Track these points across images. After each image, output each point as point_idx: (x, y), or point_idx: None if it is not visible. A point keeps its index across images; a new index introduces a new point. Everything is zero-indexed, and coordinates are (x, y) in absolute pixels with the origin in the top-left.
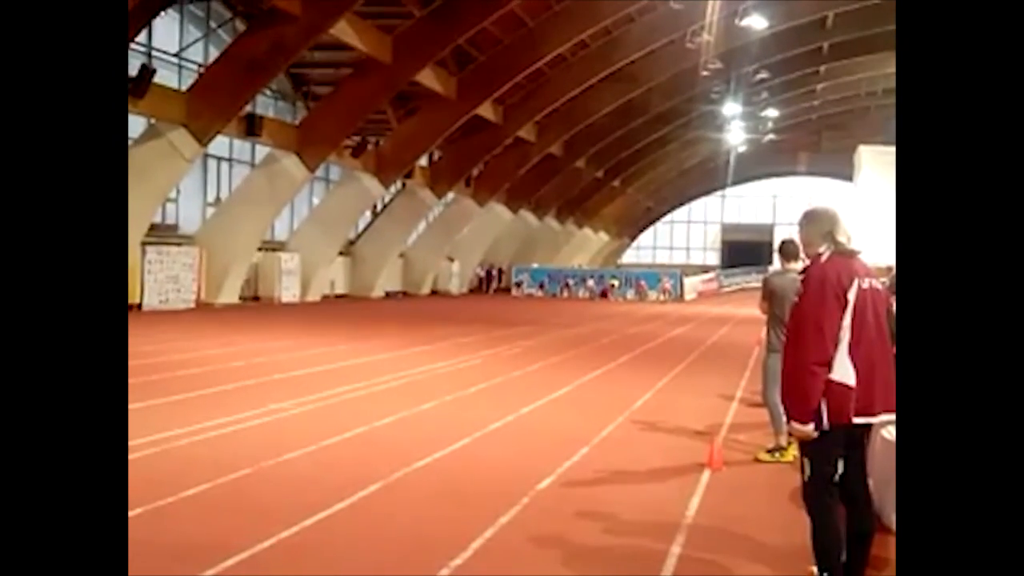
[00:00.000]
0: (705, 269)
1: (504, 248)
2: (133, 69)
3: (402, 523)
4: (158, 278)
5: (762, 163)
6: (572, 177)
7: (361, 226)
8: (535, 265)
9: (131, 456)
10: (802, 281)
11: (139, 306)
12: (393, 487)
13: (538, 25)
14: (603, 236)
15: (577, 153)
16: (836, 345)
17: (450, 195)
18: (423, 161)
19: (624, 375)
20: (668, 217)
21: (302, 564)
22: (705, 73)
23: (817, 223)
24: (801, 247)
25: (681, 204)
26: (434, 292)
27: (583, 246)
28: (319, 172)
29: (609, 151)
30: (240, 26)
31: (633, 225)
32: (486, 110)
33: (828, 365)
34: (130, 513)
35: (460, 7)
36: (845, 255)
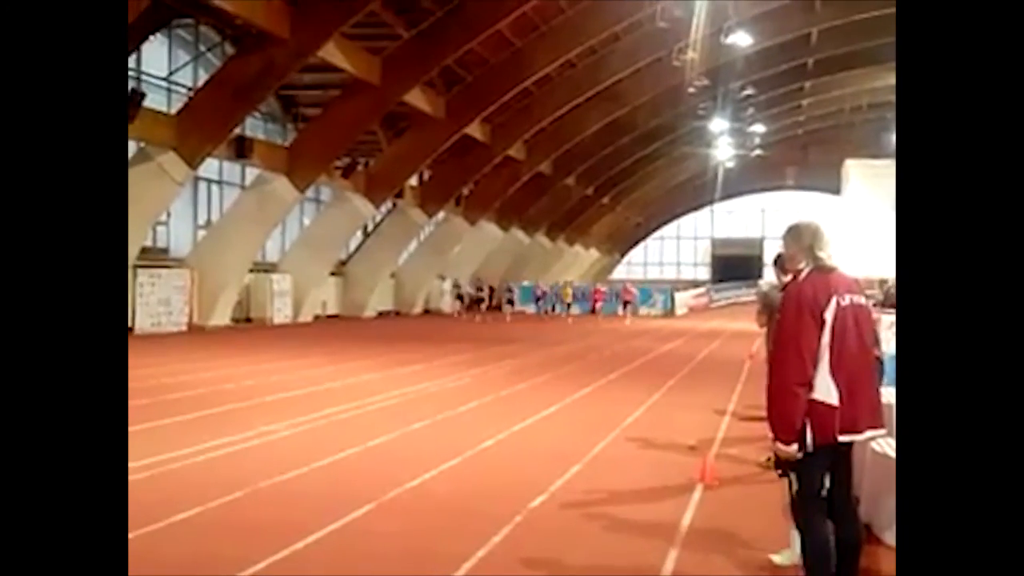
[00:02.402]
0: (696, 284)
1: (495, 266)
2: None
3: (395, 543)
4: (149, 301)
5: (750, 178)
6: (562, 195)
7: (352, 246)
8: (525, 283)
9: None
10: (781, 300)
11: (131, 329)
12: (386, 507)
13: (525, 45)
14: (594, 253)
15: (566, 171)
16: (816, 364)
17: (440, 214)
18: (413, 181)
19: (615, 391)
20: (658, 233)
21: None
22: (692, 90)
23: (799, 238)
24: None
25: (671, 220)
26: (426, 311)
27: (574, 263)
28: (310, 193)
29: (598, 168)
30: (229, 49)
31: (624, 241)
32: (475, 130)
33: (809, 385)
34: None
35: (447, 28)
36: (824, 271)
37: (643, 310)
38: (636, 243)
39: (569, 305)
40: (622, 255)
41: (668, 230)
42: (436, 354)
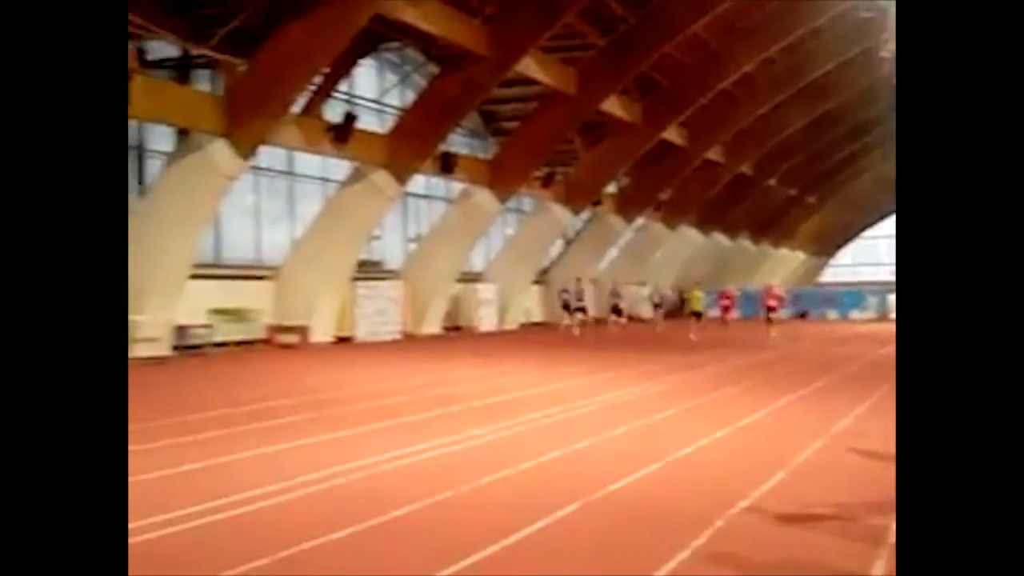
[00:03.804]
0: None
1: (696, 271)
2: (338, 116)
3: (595, 543)
4: (367, 312)
5: None
6: (765, 196)
7: (553, 254)
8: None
9: (333, 483)
10: None
11: (350, 338)
12: (586, 509)
13: (722, 45)
14: (800, 255)
15: (769, 171)
16: None
17: (639, 220)
18: (611, 188)
19: (822, 398)
20: (870, 232)
21: None
22: None
23: None
24: None
25: (884, 217)
26: (628, 318)
27: (780, 266)
28: (511, 204)
29: (803, 167)
30: (433, 69)
31: (831, 242)
32: (672, 134)
33: None
34: (331, 537)
35: (642, 34)
36: None
37: (854, 314)
38: (845, 243)
39: (699, 314)
40: (830, 256)
41: (882, 228)
42: (637, 360)
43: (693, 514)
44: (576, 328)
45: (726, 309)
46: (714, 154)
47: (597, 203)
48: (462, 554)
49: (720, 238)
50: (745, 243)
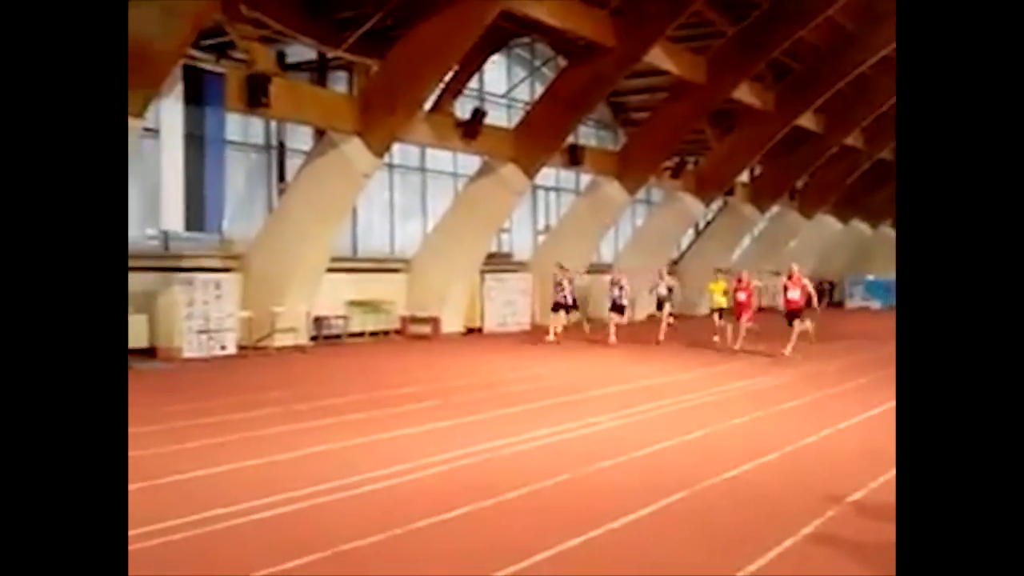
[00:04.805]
0: None
1: (835, 260)
2: (466, 112)
3: (702, 528)
4: (496, 303)
5: None
6: None
7: (684, 245)
8: (870, 276)
9: (459, 464)
10: None
11: (479, 329)
12: (698, 495)
13: (859, 28)
14: None
15: None
16: None
17: (774, 209)
18: (744, 177)
19: None
20: None
21: (604, 562)
22: None
23: None
24: None
25: None
26: (760, 308)
27: None
28: (641, 195)
29: None
30: (562, 63)
31: None
32: (807, 120)
33: None
34: (450, 515)
35: (774, 20)
36: None
37: None
38: None
39: (722, 311)
40: None
41: None
42: (769, 348)
43: (805, 501)
44: (555, 334)
45: (741, 305)
46: (852, 140)
47: (729, 192)
48: (571, 534)
49: (860, 226)
50: (887, 231)
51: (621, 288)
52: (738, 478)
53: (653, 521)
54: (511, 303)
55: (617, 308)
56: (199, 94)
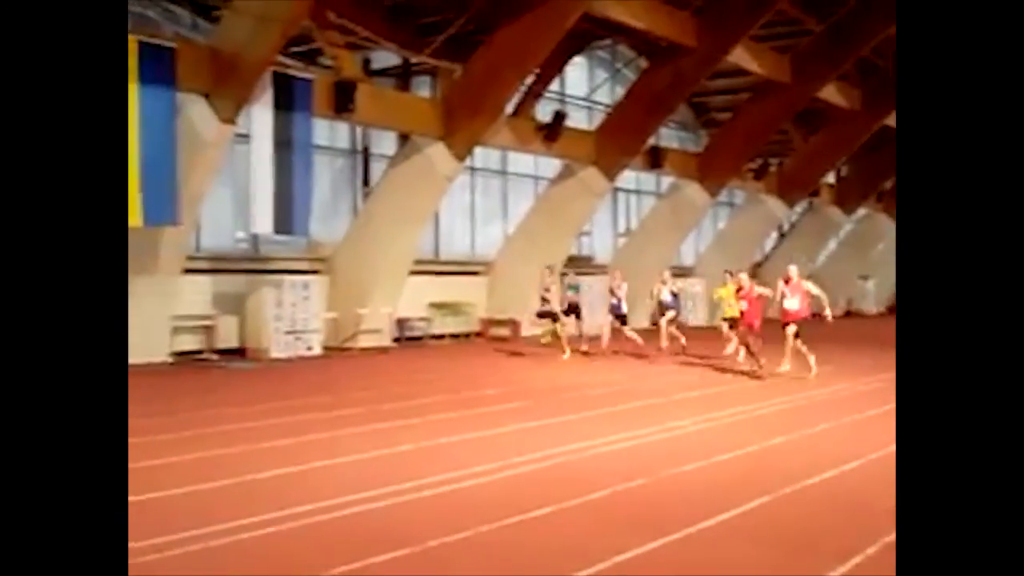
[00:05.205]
0: None
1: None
2: (547, 115)
3: (782, 533)
4: None
5: None
6: None
7: (767, 248)
8: None
9: (543, 464)
10: None
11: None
12: (782, 500)
13: None
14: None
15: None
16: None
17: (860, 211)
18: (830, 178)
19: None
20: None
21: (678, 563)
22: None
23: None
24: None
25: None
26: (848, 312)
27: None
28: (723, 196)
29: None
30: (643, 64)
31: None
32: (896, 120)
33: None
34: (531, 515)
35: (861, 17)
36: None
37: None
38: None
39: (734, 321)
40: None
41: None
42: (850, 355)
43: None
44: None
45: (743, 317)
46: None
47: (814, 194)
48: (649, 536)
49: None
50: None
51: (619, 293)
52: (822, 484)
53: (733, 526)
54: (591, 305)
55: (618, 315)
56: (288, 100)
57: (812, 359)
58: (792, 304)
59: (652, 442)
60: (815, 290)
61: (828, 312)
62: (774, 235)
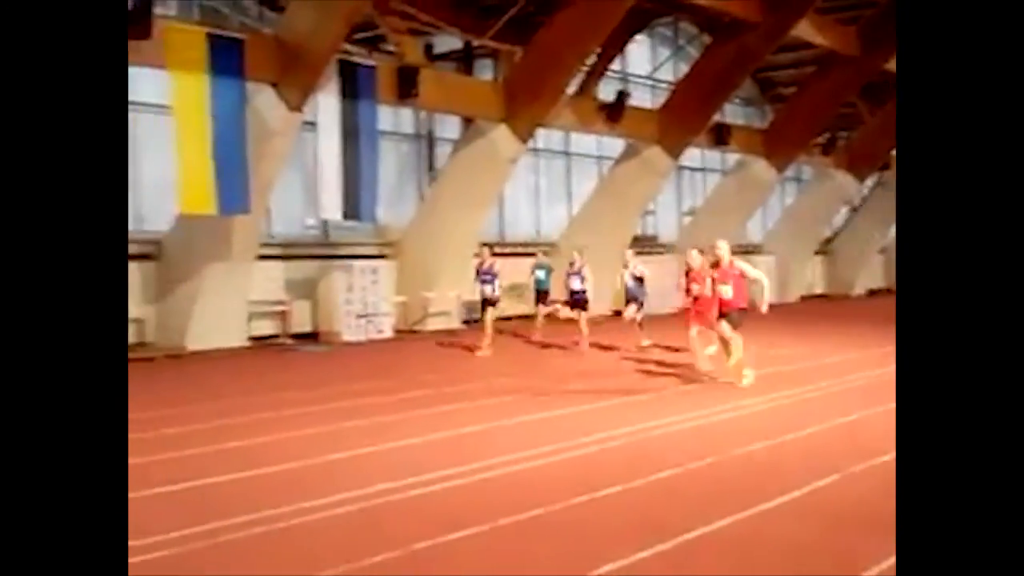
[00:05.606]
0: None
1: None
2: (610, 95)
3: (855, 511)
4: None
5: None
6: None
7: (838, 223)
8: None
9: (613, 444)
10: None
11: (621, 313)
12: (851, 479)
13: None
14: None
15: None
16: None
17: None
18: None
19: None
20: None
21: (738, 545)
22: None
23: None
24: None
25: None
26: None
27: None
28: (790, 172)
29: None
30: (706, 40)
31: None
32: None
33: None
34: (604, 492)
35: None
36: None
37: None
38: None
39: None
40: None
41: None
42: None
43: None
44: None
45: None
46: None
47: (884, 168)
48: (713, 516)
49: None
50: None
51: (581, 276)
52: (891, 463)
53: (794, 506)
54: (655, 286)
55: (578, 302)
56: (353, 87)
57: (736, 358)
58: (725, 290)
59: (718, 421)
60: (753, 272)
61: (766, 301)
62: (844, 211)
